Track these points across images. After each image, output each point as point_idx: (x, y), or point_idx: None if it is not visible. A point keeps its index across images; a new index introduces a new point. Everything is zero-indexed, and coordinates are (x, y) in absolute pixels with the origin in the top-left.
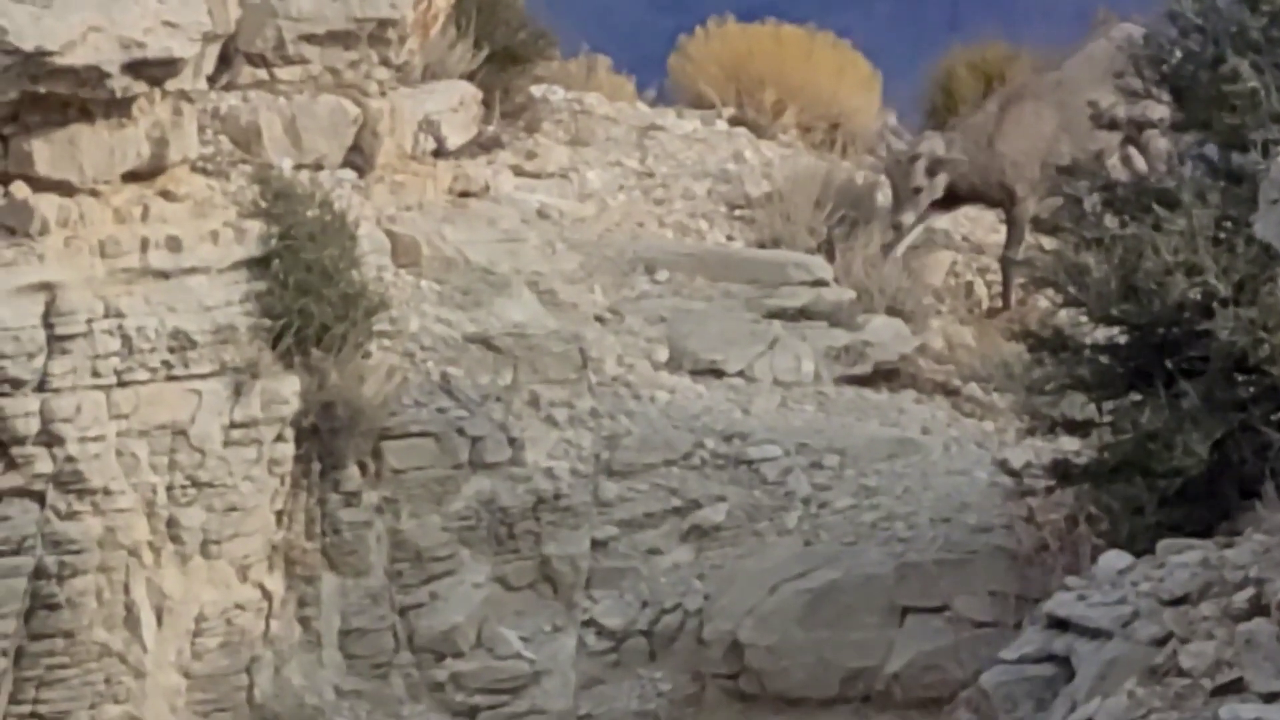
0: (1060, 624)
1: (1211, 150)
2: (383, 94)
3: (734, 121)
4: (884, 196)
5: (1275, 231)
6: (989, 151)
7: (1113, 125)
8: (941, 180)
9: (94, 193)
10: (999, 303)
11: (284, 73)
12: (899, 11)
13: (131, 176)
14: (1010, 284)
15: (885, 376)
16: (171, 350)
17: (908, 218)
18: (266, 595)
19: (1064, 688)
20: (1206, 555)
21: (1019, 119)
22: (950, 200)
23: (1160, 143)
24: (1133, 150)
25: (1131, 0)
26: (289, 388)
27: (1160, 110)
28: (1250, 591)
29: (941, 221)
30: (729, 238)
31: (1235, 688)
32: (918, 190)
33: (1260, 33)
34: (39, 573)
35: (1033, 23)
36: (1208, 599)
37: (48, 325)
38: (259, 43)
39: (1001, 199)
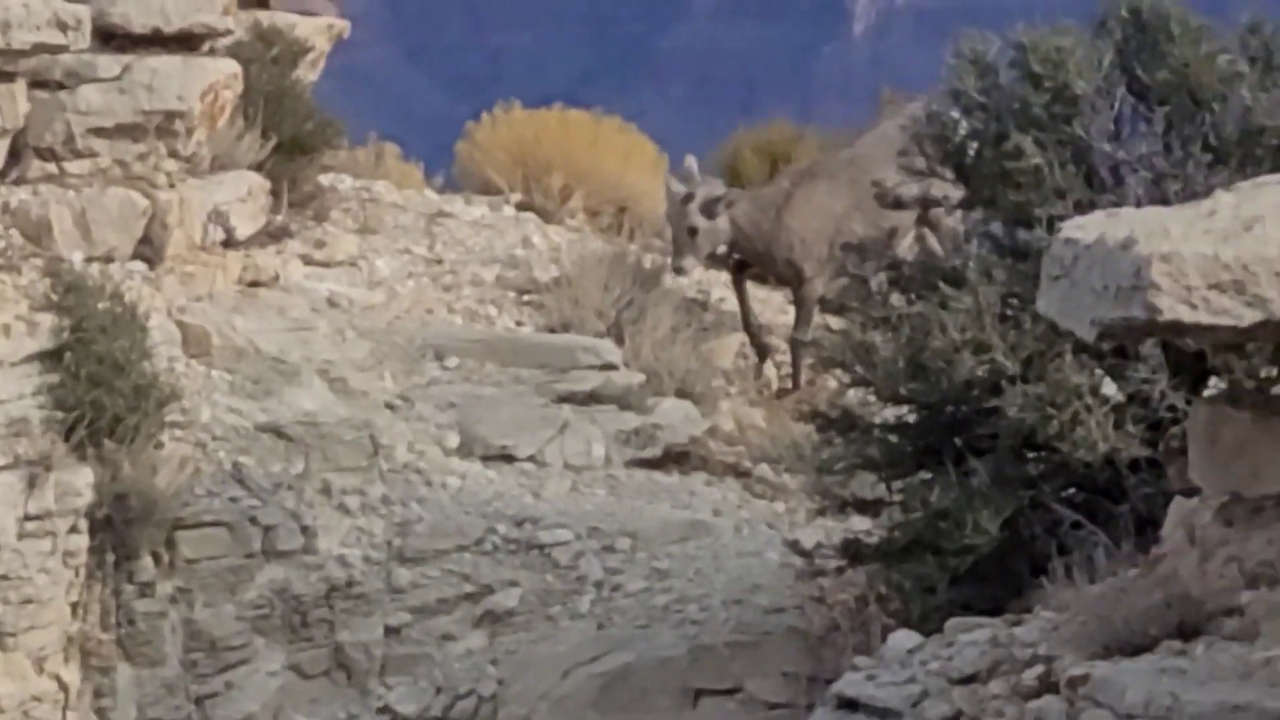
0: (850, 704)
1: (997, 227)
2: (172, 186)
3: (521, 207)
4: (671, 279)
5: (1059, 308)
6: (776, 223)
7: (898, 204)
8: (722, 225)
9: None
10: (788, 383)
11: (73, 166)
12: (693, 95)
13: None
14: (799, 364)
15: (676, 459)
16: None
17: (688, 262)
18: (63, 687)
19: None
20: (995, 633)
21: (809, 196)
22: (740, 268)
23: (950, 220)
24: (926, 230)
25: (918, 81)
26: (82, 479)
27: (944, 188)
28: (1039, 669)
29: (729, 304)
30: (518, 323)
31: None
32: (693, 231)
33: (1043, 109)
34: None
35: (826, 104)
36: (997, 677)
37: None
38: (48, 137)
39: (789, 276)
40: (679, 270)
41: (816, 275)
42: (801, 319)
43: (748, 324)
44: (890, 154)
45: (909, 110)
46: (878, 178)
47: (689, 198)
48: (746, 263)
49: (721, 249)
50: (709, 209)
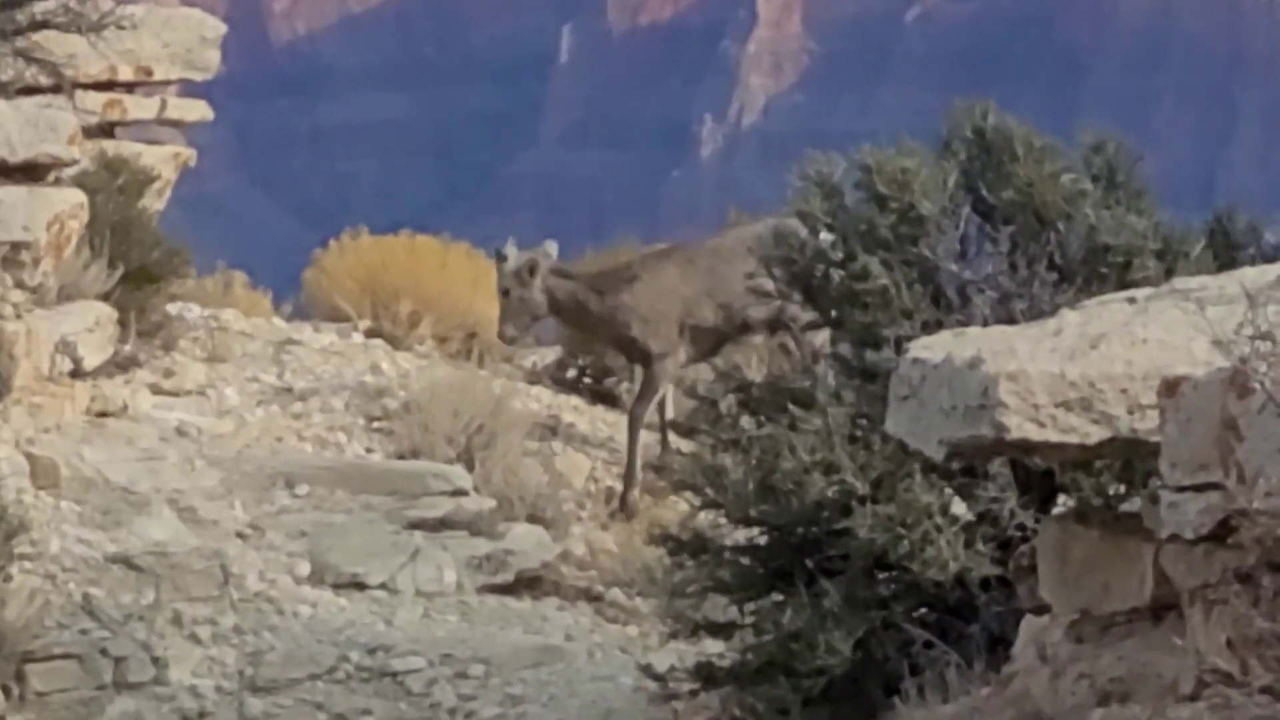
0: None
1: (845, 348)
2: (18, 316)
3: (370, 334)
4: (522, 405)
5: (908, 428)
6: (616, 300)
7: (746, 328)
8: (538, 294)
9: None
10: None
11: None
12: (541, 220)
13: None
14: (635, 442)
15: (528, 584)
16: None
17: (509, 329)
18: None
19: None
20: None
21: (658, 275)
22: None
23: (812, 338)
24: (781, 349)
25: (765, 203)
26: None
27: (794, 310)
28: None
29: (581, 425)
30: (368, 450)
31: None
32: (505, 293)
33: (889, 230)
34: None
35: (674, 226)
36: None
37: None
38: None
39: (632, 353)
40: (503, 338)
41: (667, 354)
42: (643, 394)
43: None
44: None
45: (769, 222)
46: (739, 269)
47: (502, 257)
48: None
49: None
50: (521, 274)
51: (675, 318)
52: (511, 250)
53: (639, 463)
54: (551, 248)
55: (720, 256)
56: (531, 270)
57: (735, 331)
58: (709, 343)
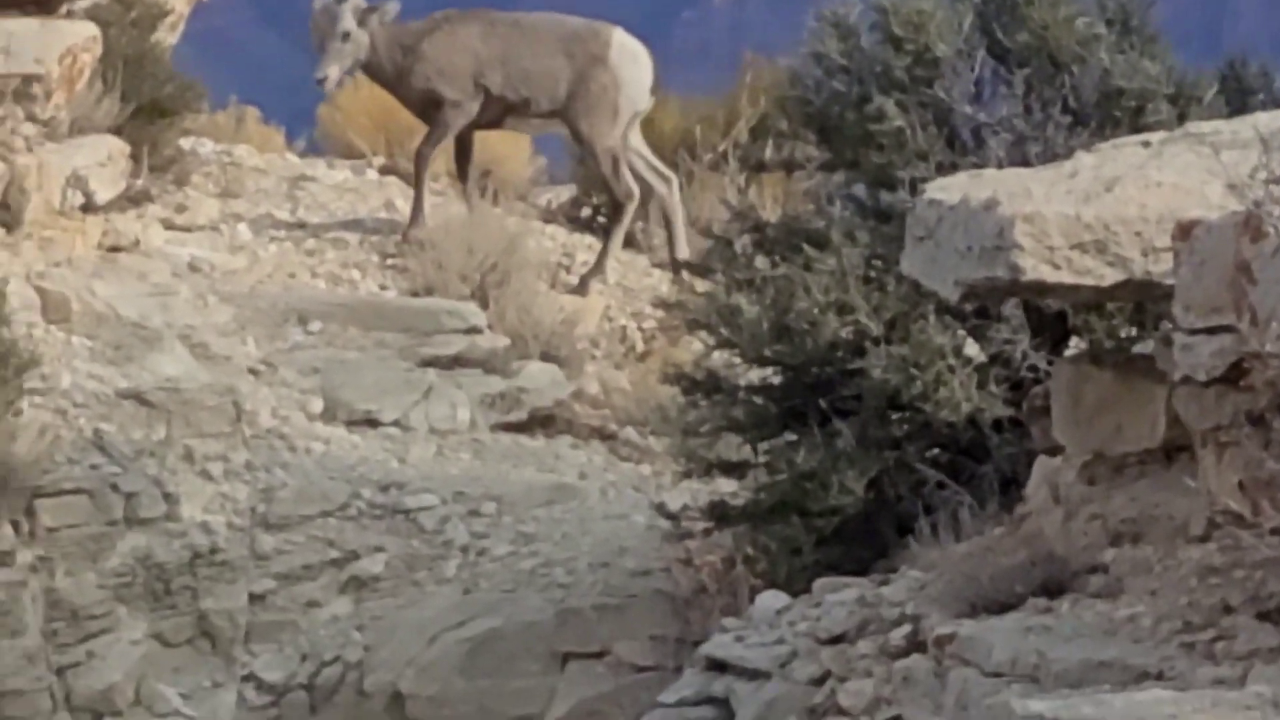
0: (719, 666)
1: (860, 189)
2: (30, 150)
3: (384, 171)
4: (535, 243)
5: (923, 269)
6: (414, 52)
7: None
8: (363, 39)
9: None
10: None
11: None
12: None
13: None
14: (422, 182)
15: (541, 423)
16: None
17: (332, 71)
18: None
19: None
20: (863, 593)
21: (457, 30)
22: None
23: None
24: None
25: (778, 45)
26: None
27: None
28: (907, 628)
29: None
30: (382, 287)
31: None
32: (346, 36)
33: (904, 72)
34: None
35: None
36: (865, 637)
37: None
38: None
39: (426, 107)
40: (320, 81)
41: (459, 102)
42: (430, 138)
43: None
44: (553, 34)
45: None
46: (530, 53)
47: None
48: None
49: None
50: (363, 17)
51: (469, 72)
52: None
53: (425, 203)
54: (391, 7)
55: (522, 30)
56: (374, 14)
57: (516, 108)
58: (492, 111)
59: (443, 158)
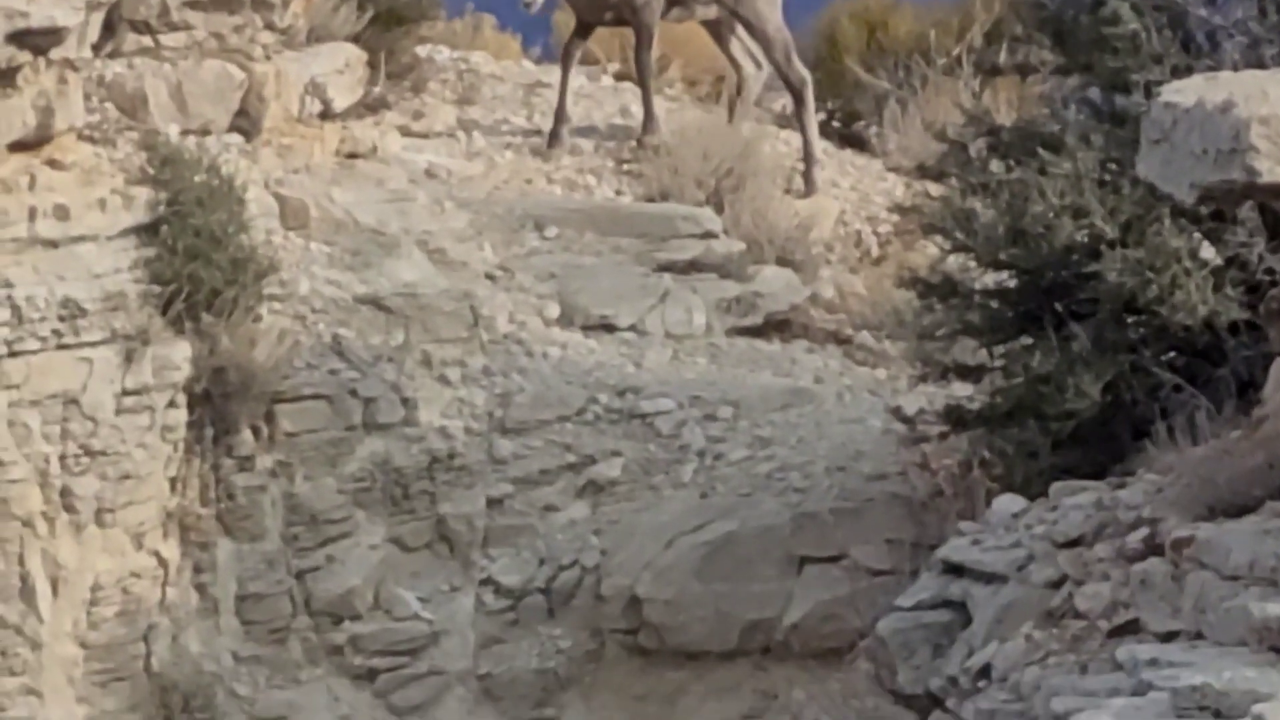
0: (955, 570)
1: (1094, 93)
2: (268, 58)
3: (619, 77)
4: (770, 148)
5: (1159, 172)
6: None
7: None
8: None
9: None
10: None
11: (168, 39)
12: None
13: (18, 146)
14: (648, 86)
15: (777, 327)
16: (61, 319)
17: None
18: (162, 563)
19: (960, 633)
20: (1100, 497)
21: None
22: (584, 29)
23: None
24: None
25: None
26: (180, 354)
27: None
28: (1144, 532)
29: (830, 168)
30: (617, 192)
31: (1131, 628)
32: (528, 6)
33: None
34: None
35: None
36: (1102, 540)
37: None
38: (143, 10)
39: (626, 14)
40: (526, 5)
41: (645, 4)
42: (644, 44)
43: (562, 105)
44: None
45: None
46: None
47: None
48: (585, 28)
49: None
50: None
51: None
52: None
53: (658, 108)
54: None
55: None
56: None
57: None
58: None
59: (674, 65)
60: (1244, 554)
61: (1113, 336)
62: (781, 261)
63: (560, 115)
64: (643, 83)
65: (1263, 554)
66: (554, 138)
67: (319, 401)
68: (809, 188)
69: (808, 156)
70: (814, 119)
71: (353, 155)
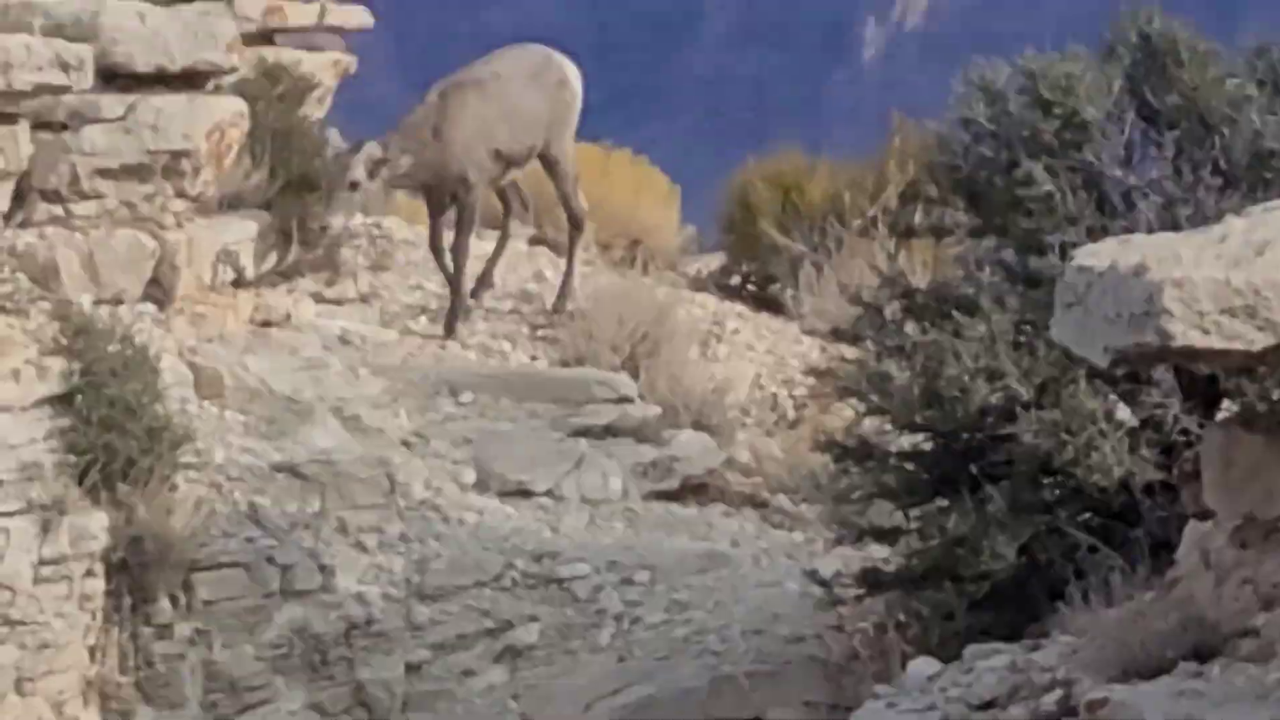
0: None
1: (1009, 255)
2: (180, 226)
3: (534, 241)
4: (685, 312)
5: (1073, 335)
6: (436, 142)
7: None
8: (404, 162)
9: None
10: (473, 302)
11: (80, 208)
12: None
13: None
14: (460, 277)
15: (693, 491)
16: None
17: (336, 220)
18: None
19: None
20: (1014, 658)
21: (462, 105)
22: (435, 206)
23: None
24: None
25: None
26: (97, 523)
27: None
28: (1058, 694)
29: (743, 334)
30: (532, 358)
31: None
32: (354, 185)
33: (1053, 136)
34: None
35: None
36: (1016, 702)
37: None
38: (53, 179)
39: (456, 189)
40: (323, 228)
41: (479, 182)
42: (463, 227)
43: (435, 247)
44: (525, 73)
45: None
46: (518, 94)
47: (356, 148)
48: (437, 206)
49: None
50: (373, 171)
51: (484, 143)
52: (370, 146)
53: (466, 291)
54: (334, 133)
55: (503, 81)
56: (380, 164)
57: (521, 158)
58: (499, 168)
59: (590, 227)
60: (1157, 715)
61: (1028, 498)
62: (698, 425)
63: (456, 288)
64: (458, 266)
65: (1176, 715)
66: (453, 314)
67: (236, 569)
68: (560, 305)
69: (566, 282)
70: (580, 253)
71: (266, 323)
